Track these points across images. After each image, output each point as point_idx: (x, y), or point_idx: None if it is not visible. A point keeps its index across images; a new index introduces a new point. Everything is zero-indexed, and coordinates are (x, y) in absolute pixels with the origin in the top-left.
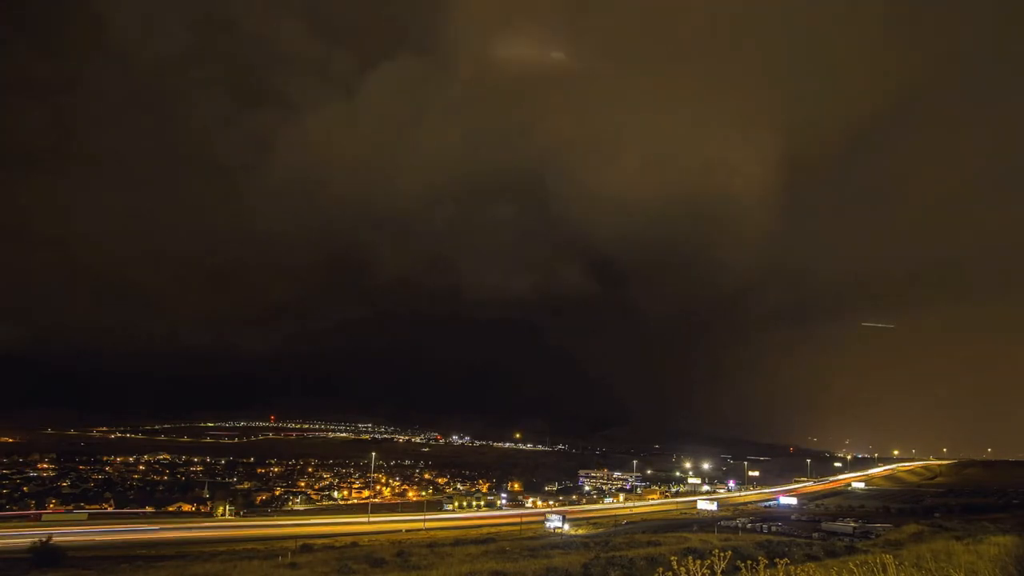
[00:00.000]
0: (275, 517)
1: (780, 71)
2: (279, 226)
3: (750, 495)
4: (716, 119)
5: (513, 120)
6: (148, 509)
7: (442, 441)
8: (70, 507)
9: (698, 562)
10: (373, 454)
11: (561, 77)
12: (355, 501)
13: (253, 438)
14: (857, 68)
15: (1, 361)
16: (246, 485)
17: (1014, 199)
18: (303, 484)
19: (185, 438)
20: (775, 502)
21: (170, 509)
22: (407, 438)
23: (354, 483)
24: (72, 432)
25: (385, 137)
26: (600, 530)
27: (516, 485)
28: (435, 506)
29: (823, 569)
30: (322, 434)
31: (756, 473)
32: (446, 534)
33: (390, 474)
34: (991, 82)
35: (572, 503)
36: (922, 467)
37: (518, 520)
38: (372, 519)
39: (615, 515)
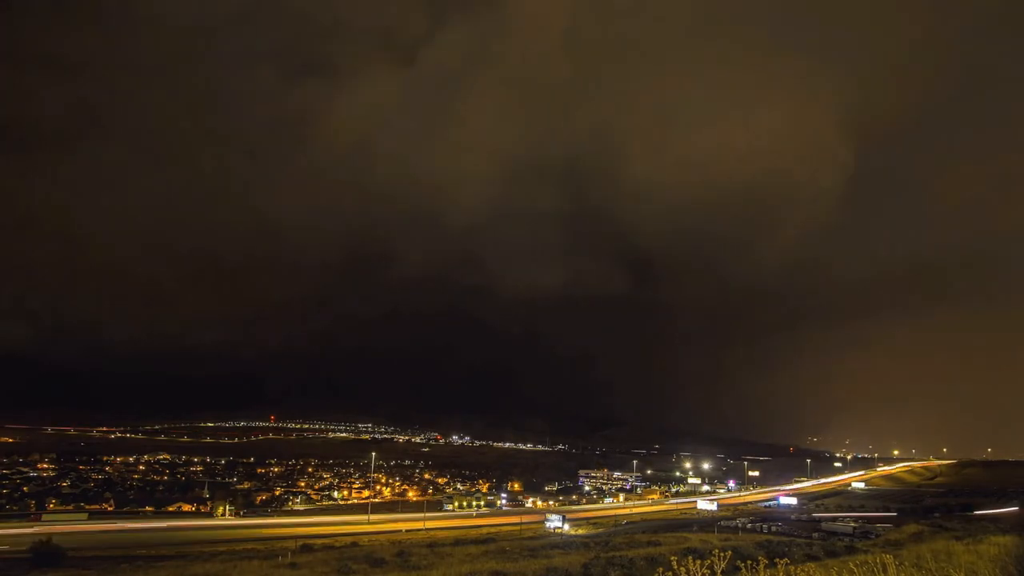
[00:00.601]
0: (275, 517)
1: (842, 53)
2: (298, 219)
3: (750, 495)
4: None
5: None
6: (148, 509)
7: (442, 441)
8: (70, 507)
9: (698, 562)
10: (373, 454)
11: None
12: (355, 501)
13: (253, 438)
14: (923, 56)
15: (1, 361)
16: (246, 485)
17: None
18: (303, 484)
19: (185, 438)
20: (775, 502)
21: (170, 509)
22: (407, 438)
23: (354, 483)
24: (72, 432)
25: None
26: (600, 530)
27: (516, 485)
28: (435, 506)
29: (823, 569)
30: (322, 434)
31: (756, 473)
32: (446, 534)
33: (390, 474)
34: None
35: (572, 503)
36: (922, 467)
37: (518, 520)
38: (372, 519)
39: (615, 515)
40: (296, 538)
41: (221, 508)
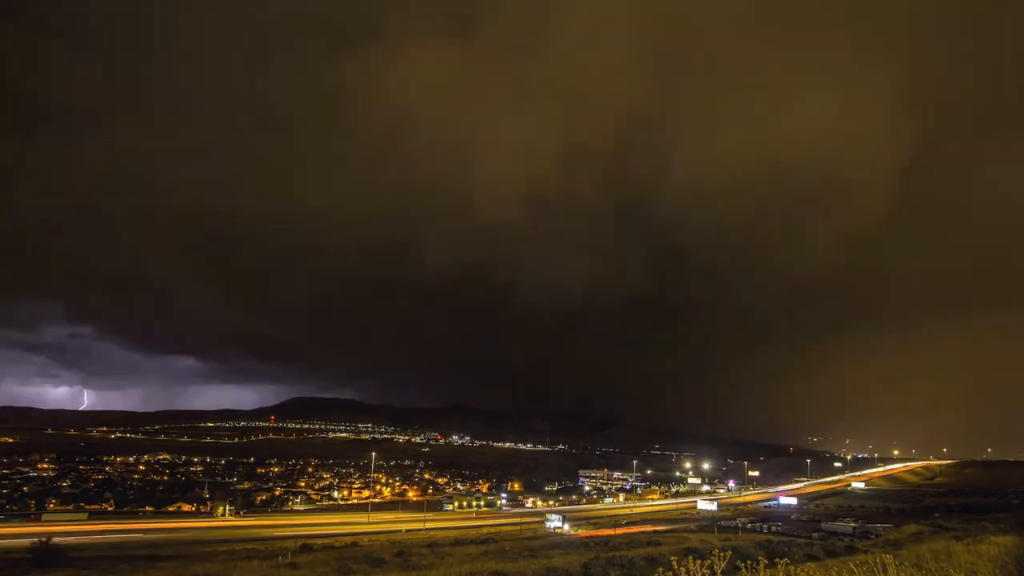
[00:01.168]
0: (275, 517)
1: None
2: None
3: (750, 495)
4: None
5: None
6: (148, 509)
7: (442, 441)
8: (70, 507)
9: (698, 562)
10: (373, 454)
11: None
12: (355, 501)
13: (253, 438)
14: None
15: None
16: (246, 485)
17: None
18: (303, 484)
19: (185, 438)
20: (775, 502)
21: (170, 509)
22: (407, 438)
23: (354, 483)
24: (72, 432)
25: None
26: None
27: (516, 485)
28: (435, 506)
29: (823, 569)
30: (322, 434)
31: (756, 473)
32: (446, 534)
33: (390, 474)
34: None
35: (572, 503)
36: (922, 467)
37: (518, 520)
38: (372, 519)
39: (615, 515)
40: (296, 538)
41: (221, 508)
